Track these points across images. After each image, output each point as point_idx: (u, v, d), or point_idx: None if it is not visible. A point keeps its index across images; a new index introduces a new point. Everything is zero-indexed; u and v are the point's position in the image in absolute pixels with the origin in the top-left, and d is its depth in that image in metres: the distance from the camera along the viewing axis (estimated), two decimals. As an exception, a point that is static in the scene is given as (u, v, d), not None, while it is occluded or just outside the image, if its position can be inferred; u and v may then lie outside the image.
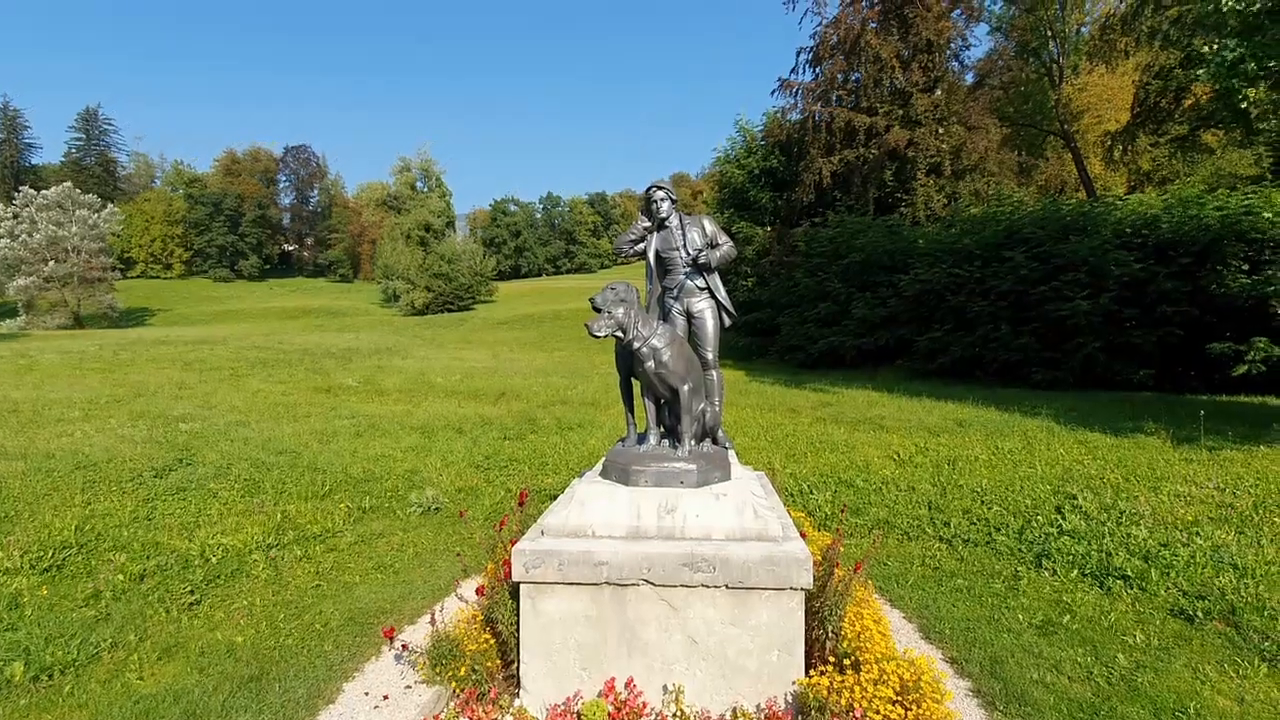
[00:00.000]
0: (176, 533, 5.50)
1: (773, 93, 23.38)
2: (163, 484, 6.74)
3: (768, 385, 15.33)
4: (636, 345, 3.51)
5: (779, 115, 24.07)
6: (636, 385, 3.94)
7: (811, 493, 6.80)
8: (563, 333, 36.46)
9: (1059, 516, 5.76)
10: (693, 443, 3.72)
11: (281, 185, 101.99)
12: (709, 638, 3.13)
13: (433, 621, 3.46)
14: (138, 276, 79.24)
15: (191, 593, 4.47)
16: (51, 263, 54.38)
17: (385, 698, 3.28)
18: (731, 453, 4.22)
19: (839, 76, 22.33)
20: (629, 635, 3.16)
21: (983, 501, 6.25)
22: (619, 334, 3.51)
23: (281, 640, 3.92)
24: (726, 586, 3.10)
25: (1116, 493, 6.20)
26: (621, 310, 3.48)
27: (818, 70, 22.73)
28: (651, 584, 3.12)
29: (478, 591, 3.77)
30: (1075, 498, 6.12)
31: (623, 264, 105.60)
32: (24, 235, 54.29)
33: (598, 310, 3.49)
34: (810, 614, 3.34)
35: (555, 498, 6.22)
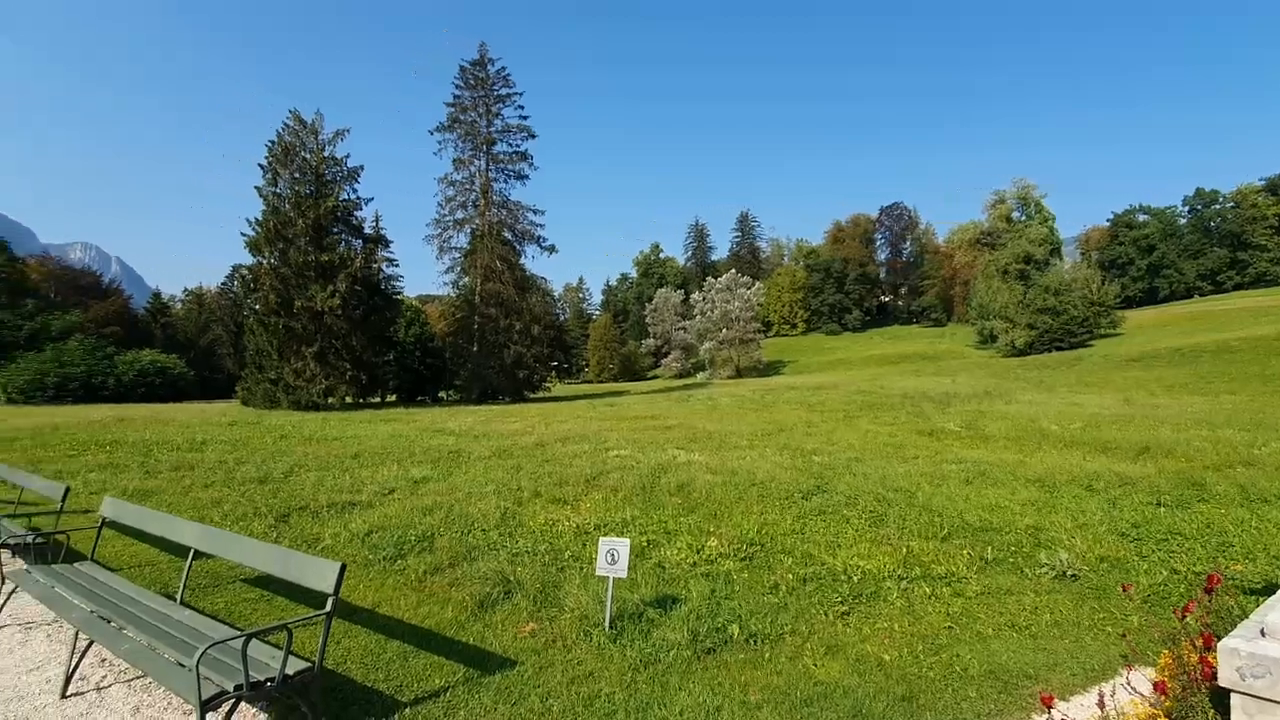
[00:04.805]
0: (823, 548, 6.54)
1: None
2: (808, 505, 8.15)
3: None
4: None
5: None
6: None
7: None
8: (1234, 370, 27.13)
9: None
10: None
11: (878, 243, 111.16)
12: None
13: (1101, 705, 3.05)
14: (773, 335, 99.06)
15: (842, 603, 5.22)
16: (724, 330, 74.02)
17: (1043, 770, 3.05)
18: None
19: None
20: None
21: None
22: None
23: (924, 671, 4.15)
24: None
25: None
26: None
27: None
28: None
29: (1156, 687, 3.14)
30: None
31: (1349, 266, 71.31)
32: (708, 311, 75.86)
33: None
34: None
35: (1253, 591, 4.67)
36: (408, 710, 3.77)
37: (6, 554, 6.70)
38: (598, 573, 4.80)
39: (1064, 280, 57.93)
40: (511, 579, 5.73)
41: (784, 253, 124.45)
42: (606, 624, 4.70)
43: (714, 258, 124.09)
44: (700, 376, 72.17)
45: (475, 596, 5.45)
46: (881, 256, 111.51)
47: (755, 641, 4.61)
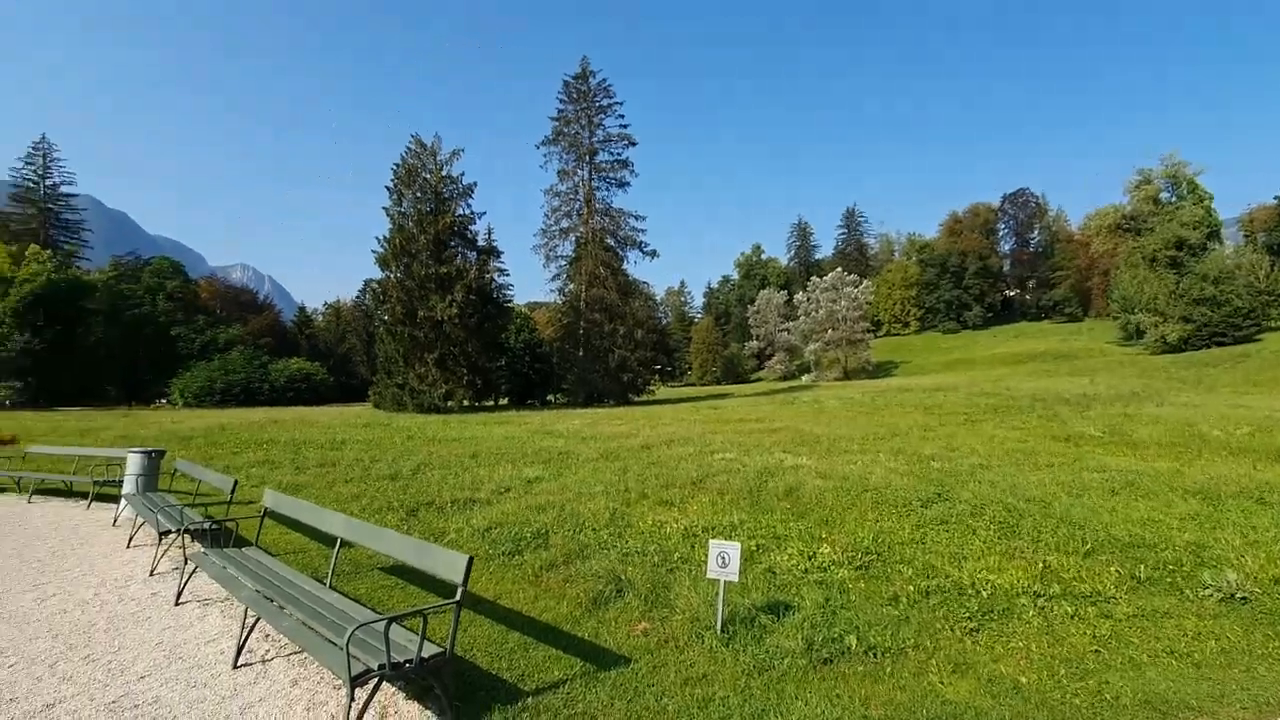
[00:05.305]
0: (947, 560, 6.17)
1: None
2: (928, 513, 7.72)
3: None
4: None
5: None
6: None
7: None
8: None
9: None
10: None
11: (1000, 233, 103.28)
12: None
13: (1289, 748, 2.68)
14: (884, 335, 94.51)
15: (970, 619, 4.90)
16: (830, 330, 71.66)
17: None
18: None
19: None
20: None
21: None
22: None
23: (1067, 697, 3.82)
24: None
25: None
26: None
27: None
28: None
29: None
30: None
31: None
32: (813, 312, 73.73)
33: None
34: None
35: None
36: (530, 700, 3.95)
37: (188, 538, 7.68)
38: (708, 575, 4.80)
39: (1225, 267, 51.19)
40: (623, 578, 5.85)
41: (894, 248, 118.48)
42: (718, 627, 4.68)
43: (818, 256, 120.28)
44: (805, 379, 70.14)
45: (589, 593, 5.61)
46: (1005, 248, 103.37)
47: (875, 654, 4.43)
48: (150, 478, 9.54)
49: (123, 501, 9.33)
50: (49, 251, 60.55)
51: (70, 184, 75.43)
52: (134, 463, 9.51)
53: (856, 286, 74.12)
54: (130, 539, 8.21)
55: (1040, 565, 5.91)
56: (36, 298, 53.62)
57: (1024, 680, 4.02)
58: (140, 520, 8.37)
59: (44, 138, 74.15)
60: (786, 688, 4.01)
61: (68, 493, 11.74)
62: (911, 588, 5.51)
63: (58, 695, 4.10)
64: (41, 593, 6.21)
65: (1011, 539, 6.72)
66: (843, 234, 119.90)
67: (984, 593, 5.36)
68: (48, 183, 73.56)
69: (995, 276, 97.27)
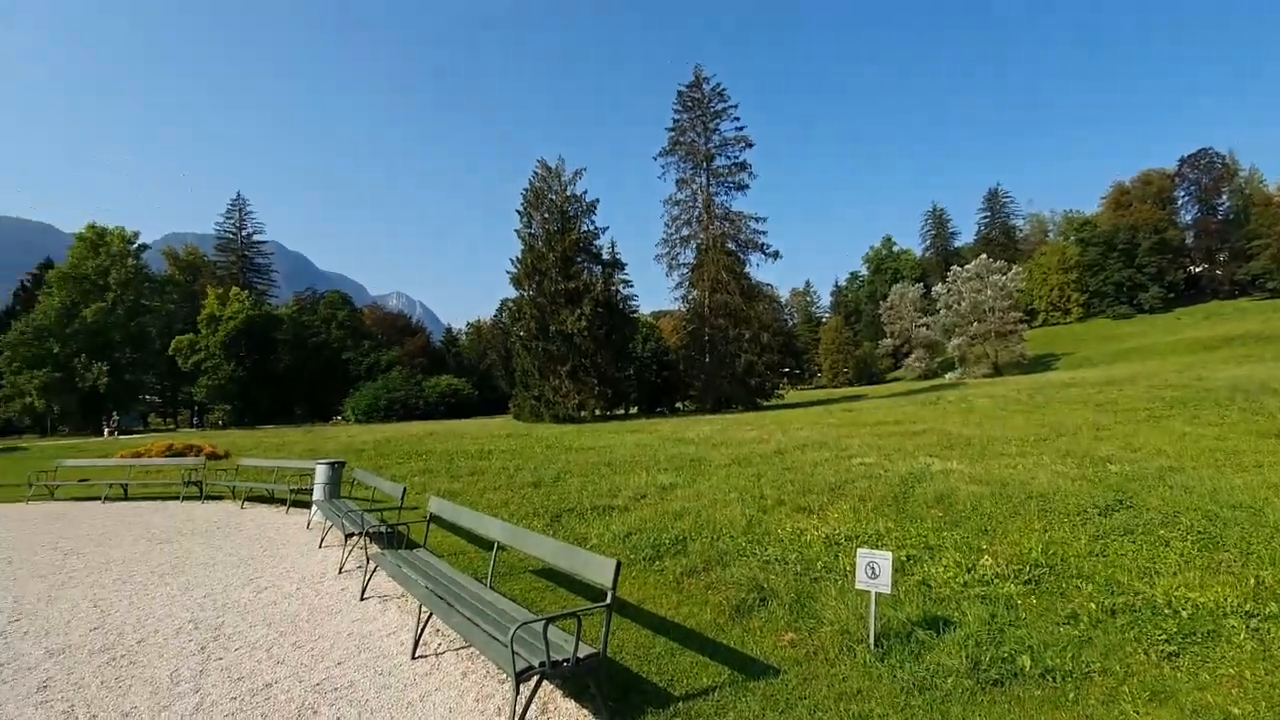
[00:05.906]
0: (1135, 575, 5.49)
1: None
2: (1108, 522, 6.90)
3: None
4: None
5: None
6: None
7: None
8: None
9: None
10: None
11: (1180, 201, 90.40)
12: None
13: None
14: (1040, 325, 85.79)
15: (1168, 642, 4.33)
16: (975, 323, 66.31)
17: None
18: None
19: None
20: None
21: None
22: None
23: (1301, 737, 3.27)
24: None
25: None
26: None
27: None
28: None
29: None
30: None
31: None
32: (955, 304, 68.60)
33: None
34: None
35: None
36: (680, 704, 4.02)
37: (368, 540, 8.61)
38: (857, 586, 4.63)
39: None
40: (765, 586, 5.79)
41: (1047, 229, 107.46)
42: (871, 641, 4.50)
43: (957, 244, 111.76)
44: (949, 376, 65.20)
45: (731, 601, 5.61)
46: (1187, 218, 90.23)
47: (1053, 677, 4.04)
48: (334, 486, 10.79)
49: (314, 507, 10.64)
50: (247, 292, 70.59)
51: (261, 233, 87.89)
52: (321, 473, 10.80)
53: (1005, 273, 67.92)
54: (321, 540, 9.33)
55: (1252, 581, 5.09)
56: (239, 332, 62.72)
57: (1236, 711, 3.48)
58: (328, 524, 9.49)
59: (239, 195, 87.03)
60: (952, 709, 3.77)
61: (270, 499, 13.57)
62: (1093, 605, 4.96)
63: (274, 676, 4.76)
64: (256, 586, 7.24)
65: (1214, 551, 5.84)
66: (985, 217, 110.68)
67: (1183, 612, 4.71)
68: (244, 233, 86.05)
69: (1176, 251, 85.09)
